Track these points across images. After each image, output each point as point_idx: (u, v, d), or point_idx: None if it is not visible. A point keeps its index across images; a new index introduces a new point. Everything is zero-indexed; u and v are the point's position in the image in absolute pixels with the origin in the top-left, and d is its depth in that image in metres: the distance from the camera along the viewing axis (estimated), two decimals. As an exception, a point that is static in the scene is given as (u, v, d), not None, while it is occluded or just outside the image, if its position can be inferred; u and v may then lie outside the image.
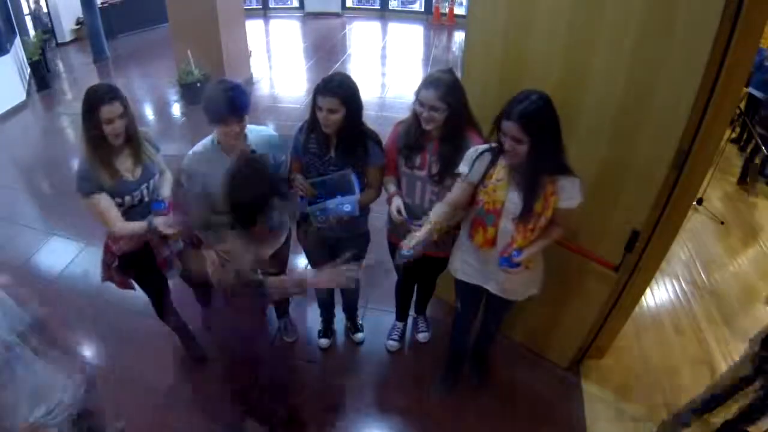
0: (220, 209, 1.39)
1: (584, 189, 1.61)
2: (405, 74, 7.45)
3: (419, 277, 2.38)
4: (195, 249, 2.25)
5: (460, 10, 10.27)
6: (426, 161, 1.85)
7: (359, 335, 2.66)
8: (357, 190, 1.81)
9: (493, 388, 2.42)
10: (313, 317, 2.68)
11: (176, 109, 6.15)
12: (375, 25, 10.82)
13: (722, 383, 2.05)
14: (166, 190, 2.00)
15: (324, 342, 2.62)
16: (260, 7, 11.53)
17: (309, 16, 11.32)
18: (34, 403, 1.41)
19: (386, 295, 2.80)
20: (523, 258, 1.68)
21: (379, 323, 2.75)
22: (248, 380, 1.61)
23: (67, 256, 3.35)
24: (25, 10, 8.32)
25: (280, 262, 2.26)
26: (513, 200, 1.64)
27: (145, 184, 1.87)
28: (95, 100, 1.66)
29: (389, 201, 1.96)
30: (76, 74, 7.72)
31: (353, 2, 11.53)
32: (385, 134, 1.99)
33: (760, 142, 4.31)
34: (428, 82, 1.71)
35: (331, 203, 1.80)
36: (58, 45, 8.90)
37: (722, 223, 3.88)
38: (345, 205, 1.81)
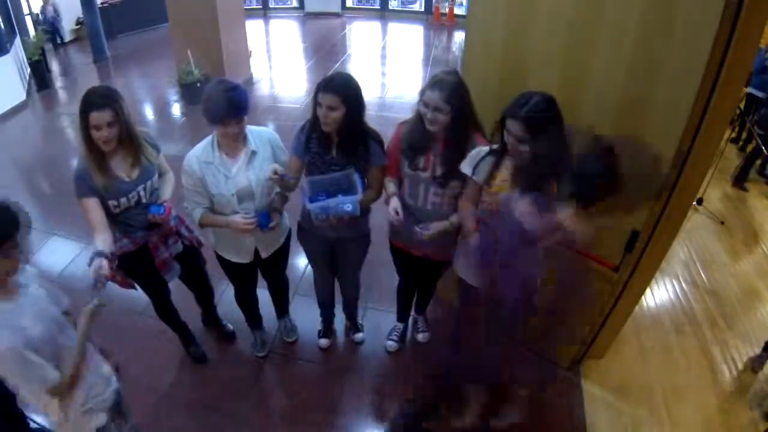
0: None
1: None
2: (405, 74, 7.45)
3: (419, 278, 2.38)
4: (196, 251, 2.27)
5: (460, 10, 10.28)
6: (430, 163, 1.84)
7: (359, 335, 2.67)
8: (359, 190, 1.80)
9: (493, 388, 2.42)
10: (313, 317, 2.68)
11: (176, 109, 6.16)
12: (375, 25, 10.82)
13: None
14: (167, 192, 1.99)
15: (324, 342, 2.62)
16: (260, 7, 11.53)
17: (309, 16, 11.32)
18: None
19: (386, 295, 2.80)
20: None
21: (379, 323, 2.75)
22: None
23: (67, 256, 3.35)
24: (25, 10, 8.33)
25: (279, 262, 2.27)
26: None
27: (142, 186, 1.85)
28: (86, 104, 1.65)
29: (387, 201, 1.95)
30: (76, 74, 7.73)
31: (353, 2, 11.54)
32: (384, 134, 1.98)
33: (760, 142, 4.31)
34: (433, 83, 1.70)
35: (332, 202, 1.80)
36: (58, 45, 8.91)
37: (722, 223, 3.88)
38: (346, 204, 1.80)
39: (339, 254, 2.24)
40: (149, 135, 1.96)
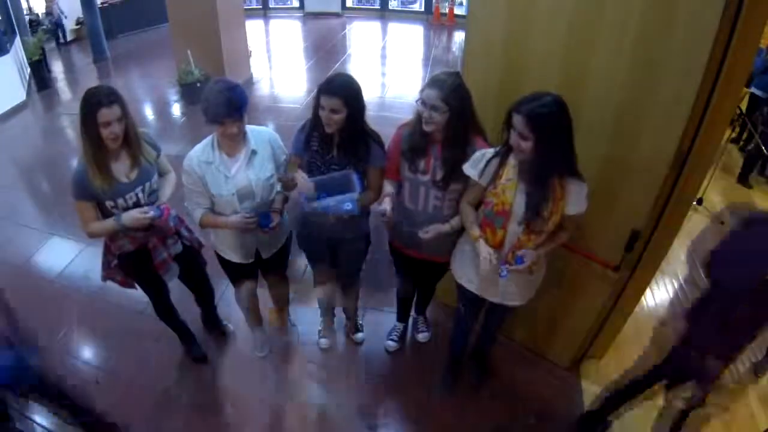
0: None
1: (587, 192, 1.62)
2: (405, 74, 7.45)
3: (420, 280, 2.38)
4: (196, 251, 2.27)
5: (460, 10, 10.28)
6: (430, 166, 1.83)
7: (359, 335, 2.66)
8: (358, 189, 1.80)
9: (493, 388, 2.42)
10: (313, 317, 2.68)
11: (176, 109, 6.16)
12: (375, 25, 10.83)
13: None
14: (166, 193, 1.99)
15: (324, 342, 2.62)
16: (260, 7, 11.54)
17: (309, 16, 11.33)
18: None
19: (386, 295, 2.81)
20: (528, 263, 1.68)
21: (379, 323, 2.75)
22: None
23: (67, 256, 3.35)
24: (25, 10, 8.33)
25: (280, 262, 2.27)
26: (521, 202, 1.63)
27: (140, 187, 1.85)
28: (93, 102, 1.64)
29: (381, 200, 1.92)
30: (76, 74, 7.73)
31: (353, 2, 11.54)
32: (384, 134, 1.98)
33: (760, 142, 4.31)
34: (432, 82, 1.70)
35: (332, 200, 1.80)
36: (61, 44, 8.92)
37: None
38: (346, 203, 1.80)
39: (339, 255, 2.24)
40: (149, 135, 1.95)
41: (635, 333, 2.73)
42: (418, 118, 1.77)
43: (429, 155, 1.82)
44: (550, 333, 2.46)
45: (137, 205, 1.86)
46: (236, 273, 2.21)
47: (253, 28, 9.49)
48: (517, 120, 1.50)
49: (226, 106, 1.69)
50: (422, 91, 1.74)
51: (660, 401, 1.91)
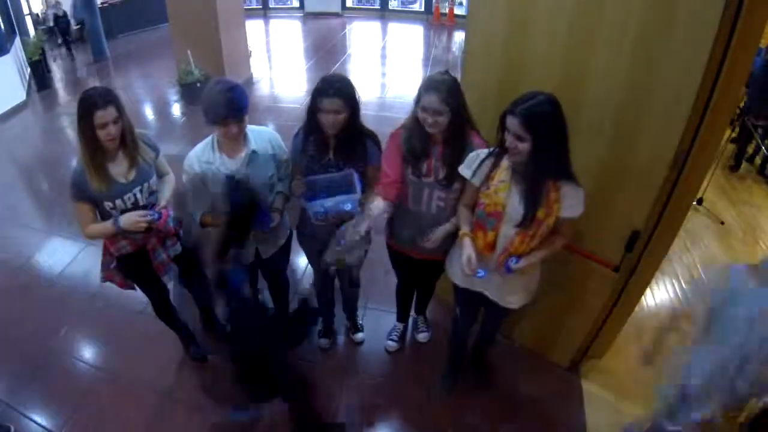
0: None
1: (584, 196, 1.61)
2: (405, 74, 7.46)
3: (419, 279, 2.38)
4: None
5: (460, 10, 10.28)
6: (432, 167, 1.83)
7: (359, 335, 2.66)
8: (359, 189, 1.80)
9: (494, 388, 2.42)
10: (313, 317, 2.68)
11: (176, 109, 6.16)
12: (375, 25, 10.83)
13: None
14: (165, 195, 1.98)
15: (324, 342, 2.62)
16: (260, 7, 11.54)
17: (309, 16, 11.33)
18: None
19: (386, 295, 2.80)
20: (521, 266, 1.67)
21: (379, 323, 2.75)
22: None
23: (67, 256, 3.35)
24: (25, 10, 8.33)
25: (280, 262, 2.27)
26: (514, 204, 1.62)
27: (138, 187, 1.84)
28: (89, 104, 1.63)
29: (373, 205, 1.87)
30: (76, 74, 7.73)
31: (353, 2, 11.55)
32: (384, 134, 1.98)
33: (759, 141, 4.31)
34: (429, 87, 1.68)
35: (332, 201, 1.80)
36: (58, 45, 8.91)
37: (722, 223, 3.88)
38: (345, 203, 1.80)
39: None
40: (147, 136, 1.95)
41: (635, 333, 2.73)
42: (416, 122, 1.75)
43: (430, 157, 1.82)
44: (550, 333, 2.46)
45: (135, 205, 1.85)
46: (236, 273, 2.21)
47: (253, 28, 9.50)
48: (512, 121, 1.49)
49: (226, 106, 1.69)
50: (420, 97, 1.71)
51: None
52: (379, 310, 2.85)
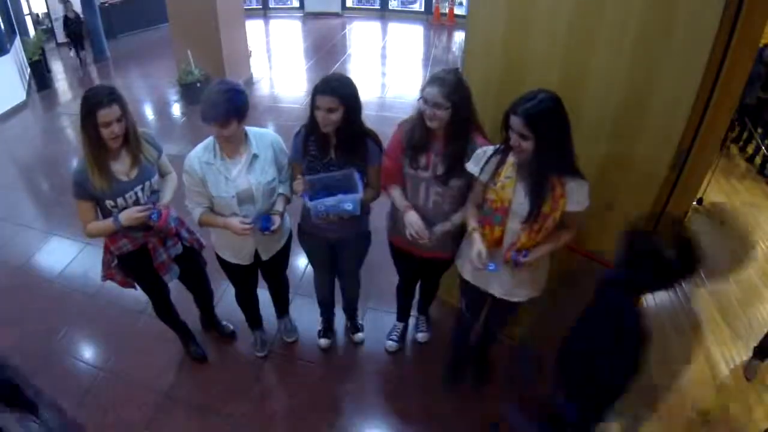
0: None
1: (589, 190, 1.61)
2: (405, 74, 7.46)
3: (420, 276, 2.38)
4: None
5: (460, 10, 10.29)
6: (430, 162, 1.84)
7: (359, 335, 2.66)
8: (360, 189, 1.81)
9: (494, 388, 2.42)
10: (313, 317, 2.68)
11: (176, 109, 6.16)
12: (375, 25, 10.83)
13: None
14: (167, 195, 1.98)
15: (324, 342, 2.62)
16: (260, 7, 11.54)
17: (309, 16, 11.33)
18: None
19: (386, 295, 2.80)
20: (529, 260, 1.69)
21: (379, 323, 2.75)
22: None
23: (67, 256, 3.35)
24: (25, 10, 8.32)
25: (280, 263, 2.27)
26: (520, 199, 1.64)
27: (140, 186, 1.85)
28: (93, 102, 1.64)
29: (404, 214, 1.91)
30: (76, 74, 7.73)
31: (353, 2, 11.55)
32: (384, 134, 1.98)
33: (759, 141, 4.31)
34: (433, 80, 1.71)
35: (333, 200, 1.80)
36: (58, 45, 8.91)
37: (722, 223, 3.87)
38: (347, 203, 1.80)
39: (339, 254, 2.24)
40: (150, 135, 1.95)
41: (635, 333, 2.73)
42: (419, 116, 1.78)
43: (429, 151, 1.83)
44: (550, 333, 2.45)
45: (137, 203, 1.86)
46: (236, 274, 2.21)
47: (253, 28, 9.50)
48: (515, 121, 1.50)
49: (220, 108, 1.68)
50: (423, 89, 1.74)
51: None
52: (379, 310, 2.85)
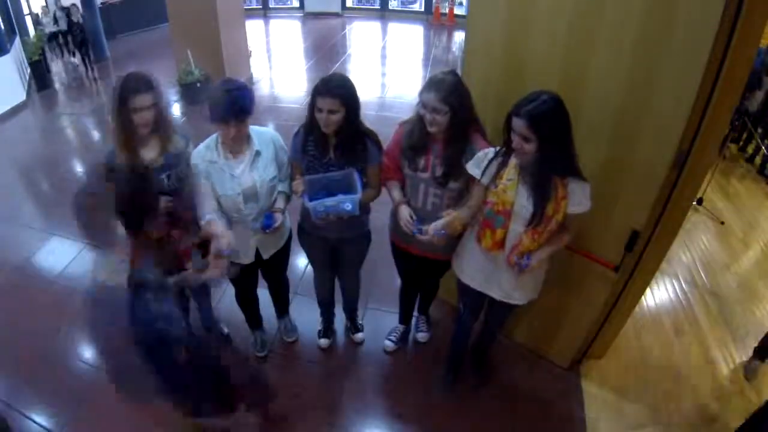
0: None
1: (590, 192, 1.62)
2: (405, 74, 7.45)
3: (420, 277, 2.38)
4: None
5: (460, 10, 10.29)
6: (429, 163, 1.84)
7: (359, 335, 2.66)
8: (359, 189, 1.81)
9: (494, 388, 2.42)
10: (313, 317, 2.68)
11: (176, 109, 6.15)
12: (375, 25, 10.83)
13: None
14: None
15: (324, 342, 2.62)
16: (260, 7, 11.54)
17: (309, 16, 11.33)
18: None
19: (386, 295, 2.80)
20: (533, 263, 1.69)
21: (379, 323, 2.74)
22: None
23: (67, 256, 3.35)
24: (25, 10, 8.31)
25: (280, 262, 2.27)
26: (522, 201, 1.63)
27: (166, 174, 1.88)
28: (129, 88, 1.70)
29: (396, 209, 1.94)
30: (76, 74, 7.72)
31: (353, 2, 11.55)
32: (384, 134, 1.98)
33: (759, 141, 4.31)
34: (430, 84, 1.70)
35: (332, 201, 1.80)
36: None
37: (722, 223, 3.88)
38: (346, 203, 1.81)
39: (339, 254, 2.24)
40: (180, 125, 1.97)
41: (635, 333, 2.73)
42: (419, 118, 1.78)
43: (428, 153, 1.83)
44: (550, 333, 2.46)
45: (162, 190, 1.88)
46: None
47: (253, 28, 9.50)
48: (518, 123, 1.50)
49: (229, 106, 1.69)
50: (421, 94, 1.74)
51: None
52: (379, 310, 2.85)
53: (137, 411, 2.29)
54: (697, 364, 2.59)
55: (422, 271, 2.27)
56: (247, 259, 2.10)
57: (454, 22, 10.28)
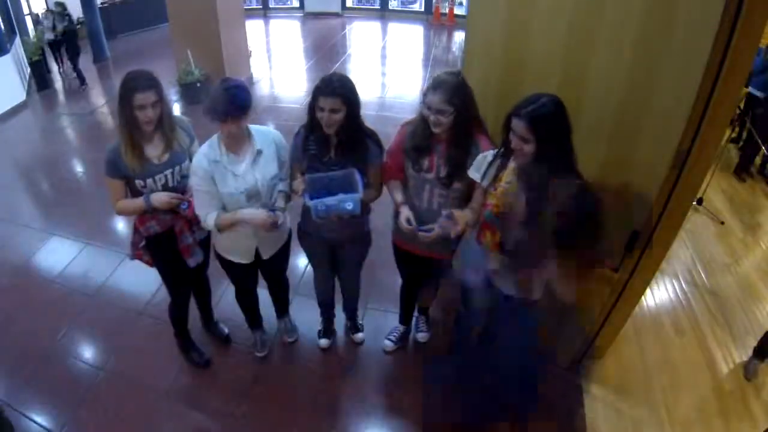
0: None
1: None
2: (405, 74, 7.45)
3: (421, 277, 2.38)
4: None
5: (460, 10, 10.28)
6: (434, 164, 1.84)
7: (359, 335, 2.66)
8: (361, 189, 1.81)
9: (493, 388, 2.42)
10: (313, 317, 2.68)
11: (176, 109, 6.15)
12: (375, 25, 10.83)
13: None
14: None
15: (324, 342, 2.62)
16: (260, 7, 11.54)
17: (309, 16, 11.33)
18: None
19: (387, 295, 2.80)
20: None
21: (379, 323, 2.75)
22: None
23: (67, 256, 3.35)
24: (25, 10, 8.30)
25: (280, 262, 2.27)
26: (522, 204, 1.62)
27: (170, 170, 1.91)
28: (130, 87, 1.73)
29: (397, 209, 1.94)
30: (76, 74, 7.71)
31: (353, 2, 11.55)
32: (384, 134, 1.98)
33: (760, 141, 4.31)
34: (434, 85, 1.71)
35: (334, 200, 1.80)
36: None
37: (722, 223, 3.88)
38: (347, 203, 1.81)
39: (339, 254, 2.24)
40: (185, 122, 2.02)
41: (635, 333, 2.73)
42: (422, 119, 1.78)
43: (432, 153, 1.83)
44: (549, 333, 2.46)
45: (165, 186, 1.92)
46: (236, 273, 2.21)
47: (253, 28, 9.50)
48: (517, 124, 1.50)
49: (227, 104, 1.70)
50: (425, 94, 1.74)
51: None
52: (379, 310, 2.85)
53: (136, 411, 2.29)
54: (697, 364, 2.59)
55: (424, 272, 2.27)
56: (247, 258, 2.10)
57: (454, 22, 10.28)
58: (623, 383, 2.45)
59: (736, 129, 5.16)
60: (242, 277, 2.26)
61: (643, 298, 2.69)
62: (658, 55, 1.56)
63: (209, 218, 1.89)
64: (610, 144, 1.79)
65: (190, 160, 1.98)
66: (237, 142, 1.85)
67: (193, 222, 2.05)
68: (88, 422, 2.24)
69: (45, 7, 8.42)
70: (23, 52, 6.85)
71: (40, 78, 6.87)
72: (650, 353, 2.64)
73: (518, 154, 1.56)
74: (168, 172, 1.91)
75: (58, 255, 3.37)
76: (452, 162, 1.80)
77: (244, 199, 1.88)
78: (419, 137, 1.82)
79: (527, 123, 1.47)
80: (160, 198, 1.88)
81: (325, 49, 8.79)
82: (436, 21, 10.53)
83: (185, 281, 2.28)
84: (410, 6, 11.28)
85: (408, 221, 1.87)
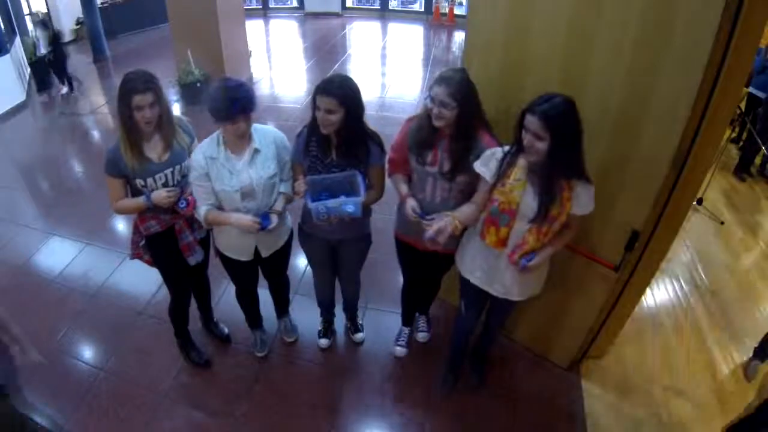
0: None
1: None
2: (405, 74, 7.45)
3: (424, 274, 2.37)
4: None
5: (460, 10, 10.27)
6: (437, 158, 1.85)
7: (359, 335, 2.66)
8: (362, 191, 1.81)
9: (494, 388, 2.42)
10: (313, 317, 2.68)
11: (176, 109, 6.15)
12: (375, 25, 10.82)
13: None
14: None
15: (324, 342, 2.62)
16: (260, 7, 11.53)
17: (309, 16, 11.32)
18: None
19: (387, 295, 2.80)
20: (536, 263, 1.71)
21: (379, 323, 2.75)
22: None
23: (67, 256, 3.35)
24: (25, 10, 8.29)
25: (280, 262, 2.27)
26: (529, 201, 1.65)
27: (170, 169, 1.92)
28: (129, 88, 1.74)
29: (403, 201, 1.96)
30: (76, 74, 7.71)
31: (353, 2, 11.53)
32: (384, 134, 1.98)
33: (760, 141, 4.31)
34: (440, 79, 1.73)
35: (335, 202, 1.80)
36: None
37: (722, 223, 3.88)
38: (348, 205, 1.81)
39: (339, 255, 2.24)
40: (185, 122, 2.03)
41: (635, 333, 2.73)
42: (427, 113, 1.80)
43: (436, 148, 1.84)
44: (550, 333, 2.46)
45: (166, 185, 1.93)
46: (237, 271, 2.21)
47: (253, 28, 9.49)
48: (531, 121, 1.51)
49: (231, 104, 1.70)
50: (431, 88, 1.76)
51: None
52: (379, 310, 2.85)
53: (136, 411, 2.29)
54: (697, 364, 2.59)
55: (426, 268, 2.26)
56: (246, 256, 2.10)
57: (454, 22, 10.27)
58: (623, 383, 2.45)
59: (736, 129, 5.16)
60: (242, 275, 2.26)
61: (643, 298, 2.69)
62: (658, 55, 1.56)
63: (200, 210, 1.92)
64: (610, 144, 1.80)
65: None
66: (240, 140, 1.85)
67: (193, 220, 2.06)
68: (88, 422, 2.25)
69: (39, 14, 8.41)
70: (23, 52, 6.84)
71: (40, 78, 6.86)
72: (650, 353, 2.65)
73: (530, 151, 1.56)
74: (168, 171, 1.92)
75: (58, 255, 3.37)
76: (455, 156, 1.81)
77: (238, 197, 1.89)
78: (423, 132, 1.84)
79: (542, 120, 1.48)
80: (159, 195, 1.89)
81: (325, 49, 8.79)
82: (436, 21, 10.53)
83: (185, 280, 2.29)
84: (410, 6, 11.27)
85: (414, 210, 1.89)
